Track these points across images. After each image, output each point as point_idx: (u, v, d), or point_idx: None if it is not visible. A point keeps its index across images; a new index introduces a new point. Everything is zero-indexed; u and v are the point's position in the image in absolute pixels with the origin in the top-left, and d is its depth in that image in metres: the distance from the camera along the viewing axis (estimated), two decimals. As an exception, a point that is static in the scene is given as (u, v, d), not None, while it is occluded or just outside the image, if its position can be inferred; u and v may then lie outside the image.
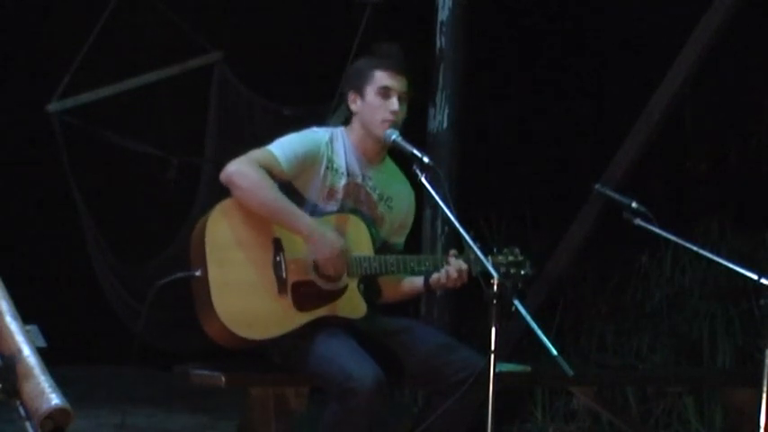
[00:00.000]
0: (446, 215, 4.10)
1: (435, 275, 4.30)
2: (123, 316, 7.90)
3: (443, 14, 7.18)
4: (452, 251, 4.36)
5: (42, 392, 2.13)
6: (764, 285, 4.44)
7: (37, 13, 8.87)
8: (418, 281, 4.42)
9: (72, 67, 7.98)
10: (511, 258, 4.39)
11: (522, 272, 4.39)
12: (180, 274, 4.23)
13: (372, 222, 4.40)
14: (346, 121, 4.50)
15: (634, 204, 4.90)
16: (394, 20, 7.73)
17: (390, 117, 4.32)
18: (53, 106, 8.01)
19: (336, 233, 4.22)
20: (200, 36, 8.34)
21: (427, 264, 4.36)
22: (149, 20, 8.46)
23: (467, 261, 4.27)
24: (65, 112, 8.04)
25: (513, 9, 9.24)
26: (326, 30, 8.65)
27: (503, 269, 4.30)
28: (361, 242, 4.33)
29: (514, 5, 9.26)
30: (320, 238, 4.17)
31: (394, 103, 4.32)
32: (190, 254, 4.26)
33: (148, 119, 8.93)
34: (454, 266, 4.26)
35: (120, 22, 8.17)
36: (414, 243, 5.27)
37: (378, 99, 4.33)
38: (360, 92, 4.36)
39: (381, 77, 4.34)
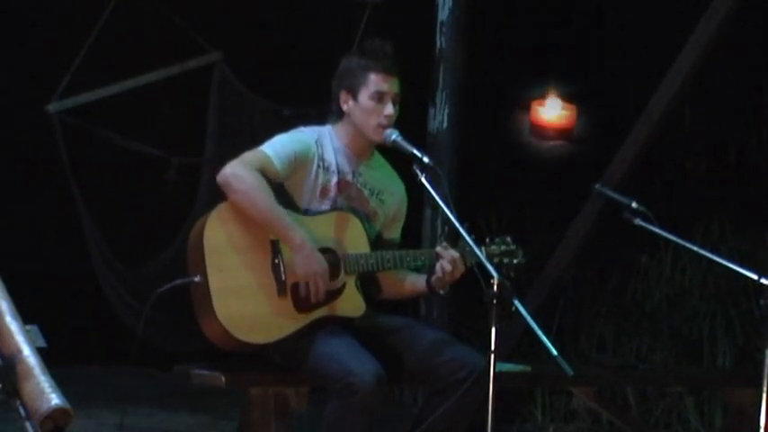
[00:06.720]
0: (446, 215, 4.10)
1: (434, 277, 4.30)
2: (123, 316, 7.89)
3: (443, 14, 7.18)
4: (443, 244, 4.36)
5: (42, 392, 2.13)
6: (764, 285, 4.44)
7: (37, 12, 8.86)
8: (420, 282, 4.41)
9: (72, 67, 7.98)
10: (503, 248, 4.41)
11: (515, 260, 4.41)
12: (179, 281, 4.23)
13: (366, 218, 4.40)
14: (335, 118, 4.47)
15: (634, 204, 4.90)
16: (394, 20, 7.73)
17: (385, 122, 4.32)
18: (53, 106, 8.01)
19: (322, 257, 4.20)
20: (200, 36, 8.34)
21: (423, 258, 4.36)
22: (149, 20, 8.45)
23: (460, 252, 4.26)
24: (65, 112, 8.04)
25: (516, 8, 9.24)
26: (326, 30, 8.64)
27: (496, 259, 4.30)
28: (358, 240, 4.33)
29: (517, 5, 9.26)
30: (309, 253, 4.16)
31: (389, 107, 4.32)
32: (188, 259, 4.26)
33: (148, 119, 8.92)
34: (446, 258, 4.26)
35: (120, 22, 8.16)
36: (414, 243, 5.28)
37: (372, 103, 4.32)
38: (352, 93, 4.34)
39: (376, 81, 4.32)
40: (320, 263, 4.17)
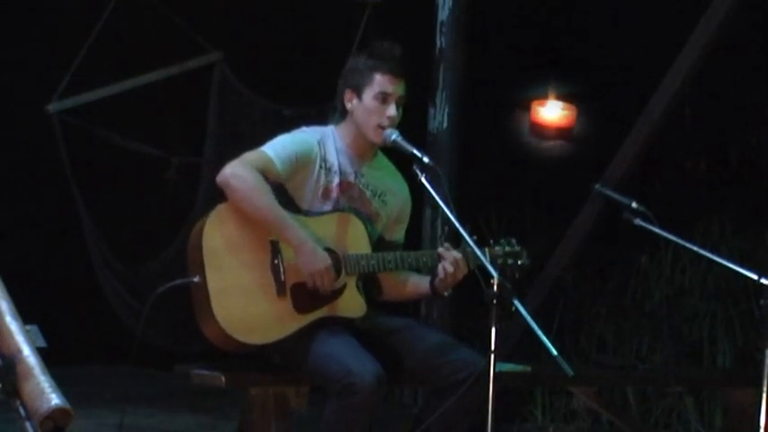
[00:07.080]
0: (446, 215, 4.10)
1: (437, 279, 4.30)
2: (123, 316, 7.90)
3: (443, 14, 7.18)
4: (445, 245, 4.36)
5: (42, 392, 2.13)
6: (764, 285, 4.44)
7: (37, 12, 8.87)
8: (423, 284, 4.40)
9: (72, 67, 7.99)
10: (508, 249, 4.40)
11: (520, 262, 4.41)
12: (178, 281, 4.22)
13: (368, 219, 4.40)
14: (339, 118, 4.48)
15: (634, 204, 4.90)
16: (394, 20, 7.73)
17: (387, 123, 4.31)
18: (53, 106, 8.02)
19: (325, 253, 4.21)
20: (200, 36, 8.35)
21: (425, 259, 4.35)
22: (149, 20, 8.46)
23: (462, 253, 4.26)
24: (65, 112, 8.04)
25: (516, 8, 9.24)
26: (326, 30, 8.65)
27: (500, 261, 4.30)
28: (359, 241, 4.33)
29: (517, 5, 9.26)
30: (311, 251, 4.16)
31: (391, 109, 4.32)
32: (187, 259, 4.25)
33: (148, 119, 8.92)
34: (448, 260, 4.25)
35: (119, 22, 8.17)
36: (414, 243, 5.27)
37: (375, 103, 4.31)
38: (357, 92, 4.35)
39: (381, 82, 4.32)
40: (322, 260, 4.17)
